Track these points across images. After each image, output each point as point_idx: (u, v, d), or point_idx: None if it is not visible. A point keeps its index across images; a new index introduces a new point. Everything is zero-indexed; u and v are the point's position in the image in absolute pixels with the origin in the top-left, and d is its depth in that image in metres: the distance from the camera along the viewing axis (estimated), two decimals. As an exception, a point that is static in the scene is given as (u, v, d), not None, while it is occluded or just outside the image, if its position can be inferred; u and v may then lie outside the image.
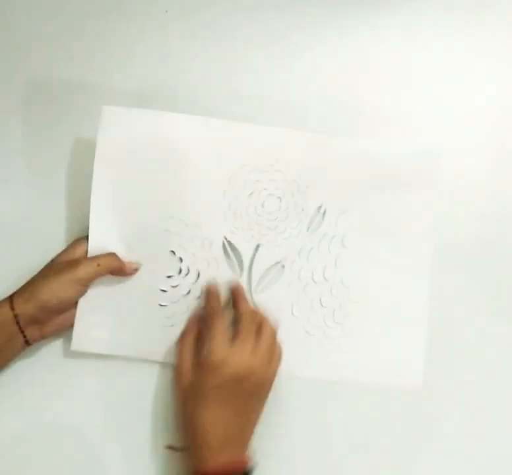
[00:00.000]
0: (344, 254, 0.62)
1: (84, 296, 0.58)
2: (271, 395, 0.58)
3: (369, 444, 0.60)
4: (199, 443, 0.53)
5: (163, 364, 0.60)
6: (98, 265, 0.56)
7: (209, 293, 0.59)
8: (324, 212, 0.62)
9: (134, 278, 0.60)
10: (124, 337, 0.59)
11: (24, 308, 0.54)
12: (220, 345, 0.55)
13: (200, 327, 0.59)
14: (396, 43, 0.68)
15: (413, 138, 0.67)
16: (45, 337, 0.58)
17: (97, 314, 0.59)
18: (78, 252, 0.58)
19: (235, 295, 0.59)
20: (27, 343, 0.56)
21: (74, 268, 0.56)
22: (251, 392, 0.56)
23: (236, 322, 0.57)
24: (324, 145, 0.61)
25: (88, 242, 0.58)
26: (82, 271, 0.56)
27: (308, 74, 0.67)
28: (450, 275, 0.64)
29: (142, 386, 0.60)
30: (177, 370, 0.57)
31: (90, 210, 0.58)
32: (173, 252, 0.60)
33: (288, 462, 0.57)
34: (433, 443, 0.61)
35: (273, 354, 0.58)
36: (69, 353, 0.59)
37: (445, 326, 0.63)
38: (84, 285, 0.57)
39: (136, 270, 0.59)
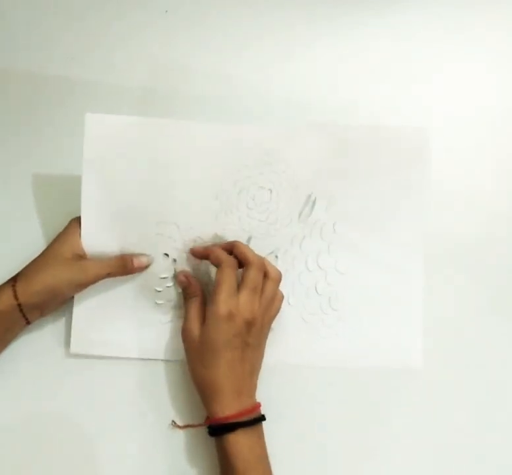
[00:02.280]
0: (336, 241, 0.62)
1: (78, 298, 0.59)
2: (270, 383, 0.59)
3: (369, 429, 0.62)
4: (214, 396, 0.54)
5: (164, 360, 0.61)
6: (108, 274, 0.57)
7: (209, 247, 0.58)
8: (315, 200, 0.62)
9: (129, 281, 0.60)
10: (123, 338, 0.60)
11: (28, 298, 0.55)
12: (226, 296, 0.54)
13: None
14: (396, 42, 0.67)
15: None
16: (44, 316, 0.59)
17: (94, 316, 0.60)
18: (77, 239, 0.57)
19: (240, 247, 0.57)
20: (27, 323, 0.57)
21: (85, 274, 0.56)
22: (258, 338, 0.57)
23: (243, 270, 0.56)
24: (311, 134, 0.60)
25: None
26: (93, 277, 0.56)
27: (308, 72, 0.67)
28: (450, 274, 0.64)
29: (142, 379, 0.61)
30: (184, 332, 0.57)
31: (81, 217, 0.58)
32: (166, 254, 0.60)
33: (289, 447, 0.59)
34: (434, 429, 0.62)
35: (275, 298, 0.58)
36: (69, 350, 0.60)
37: (443, 323, 0.63)
38: (89, 286, 0.58)
39: (146, 266, 0.59)
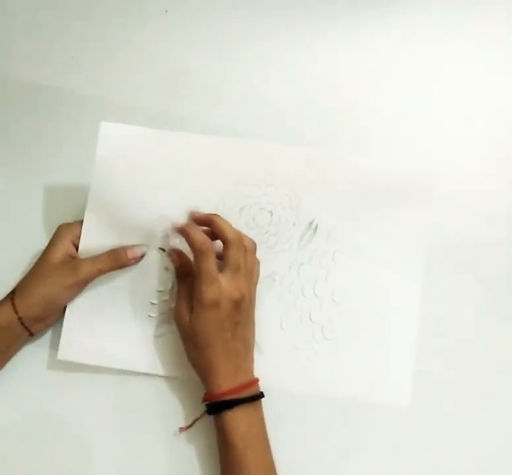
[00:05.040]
0: (334, 270, 0.62)
1: (71, 304, 0.59)
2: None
3: (357, 461, 0.60)
4: (210, 375, 0.55)
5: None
6: (100, 270, 0.57)
7: (187, 227, 0.56)
8: (316, 227, 0.62)
9: (126, 290, 0.60)
10: (112, 348, 0.60)
11: (27, 311, 0.56)
12: (208, 284, 0.54)
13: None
14: (396, 42, 0.68)
15: (412, 140, 0.67)
16: (49, 327, 0.60)
17: (85, 324, 0.60)
18: (66, 245, 0.58)
19: (219, 224, 0.56)
20: (31, 335, 0.58)
21: (75, 272, 0.56)
22: (247, 313, 0.57)
23: (224, 249, 0.56)
24: (318, 160, 0.61)
25: (73, 229, 0.59)
26: (84, 275, 0.57)
27: (308, 72, 0.68)
28: (447, 277, 0.64)
29: (139, 387, 0.61)
30: (176, 315, 0.57)
31: (82, 225, 0.59)
32: (166, 268, 0.61)
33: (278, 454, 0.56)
34: (422, 461, 0.60)
35: (254, 270, 0.58)
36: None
37: (438, 330, 0.63)
38: (84, 286, 0.58)
39: (141, 256, 0.59)
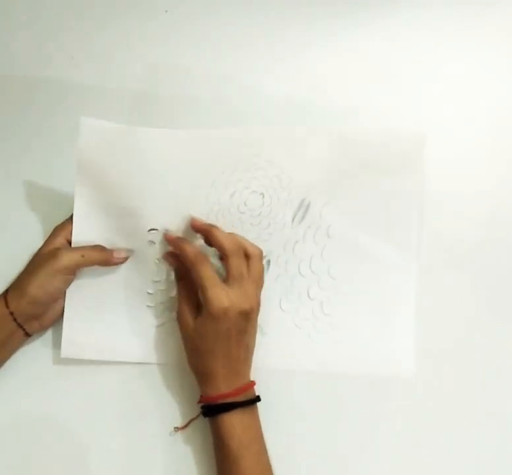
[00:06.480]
0: (329, 245, 0.62)
1: (69, 302, 0.59)
2: (260, 387, 0.58)
3: (358, 437, 0.61)
4: (208, 379, 0.55)
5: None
6: (82, 256, 0.56)
7: (178, 241, 0.56)
8: (309, 204, 0.61)
9: (121, 283, 0.60)
10: (114, 341, 0.60)
11: (17, 306, 0.55)
12: (215, 292, 0.53)
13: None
14: (395, 42, 0.68)
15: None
16: (45, 328, 0.59)
17: (85, 320, 0.59)
18: (58, 240, 0.58)
19: (212, 232, 0.55)
20: (27, 335, 0.58)
21: (55, 258, 0.55)
22: (254, 322, 0.56)
23: (223, 259, 0.55)
24: (305, 137, 0.59)
25: (67, 227, 0.58)
26: (64, 260, 0.55)
27: (307, 73, 0.67)
28: (446, 274, 0.64)
29: (138, 382, 0.61)
30: (179, 318, 0.57)
31: (73, 223, 0.58)
32: (158, 259, 0.60)
33: (276, 455, 0.58)
34: (427, 435, 0.62)
35: (260, 276, 0.57)
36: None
37: (438, 323, 0.63)
38: (69, 275, 0.57)
39: (125, 258, 0.59)
